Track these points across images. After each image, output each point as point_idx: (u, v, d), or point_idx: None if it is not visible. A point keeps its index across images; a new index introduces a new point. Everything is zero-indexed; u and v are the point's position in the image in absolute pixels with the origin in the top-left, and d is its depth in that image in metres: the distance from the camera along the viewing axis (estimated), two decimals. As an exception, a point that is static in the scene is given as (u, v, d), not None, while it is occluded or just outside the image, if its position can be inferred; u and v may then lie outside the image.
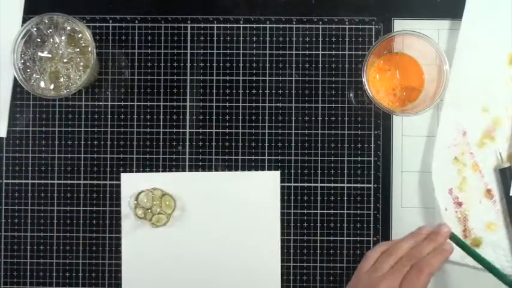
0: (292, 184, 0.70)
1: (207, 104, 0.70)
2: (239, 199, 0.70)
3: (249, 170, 0.70)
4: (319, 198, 0.70)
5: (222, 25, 0.71)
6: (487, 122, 0.69)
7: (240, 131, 0.70)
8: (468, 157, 0.69)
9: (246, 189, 0.70)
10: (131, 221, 0.70)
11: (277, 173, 0.70)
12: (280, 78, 0.71)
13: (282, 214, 0.70)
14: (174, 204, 0.69)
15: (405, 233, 0.70)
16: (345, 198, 0.70)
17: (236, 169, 0.70)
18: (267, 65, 0.71)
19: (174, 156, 0.71)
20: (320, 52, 0.71)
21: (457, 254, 0.68)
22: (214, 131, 0.71)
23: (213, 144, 0.71)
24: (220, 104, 0.70)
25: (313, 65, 0.71)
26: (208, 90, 0.71)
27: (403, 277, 0.58)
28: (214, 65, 0.71)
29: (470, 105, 0.69)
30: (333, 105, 0.70)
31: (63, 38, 0.65)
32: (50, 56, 0.65)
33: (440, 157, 0.69)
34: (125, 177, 0.70)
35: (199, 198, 0.70)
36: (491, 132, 0.69)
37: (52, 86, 0.65)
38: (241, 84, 0.71)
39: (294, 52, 0.71)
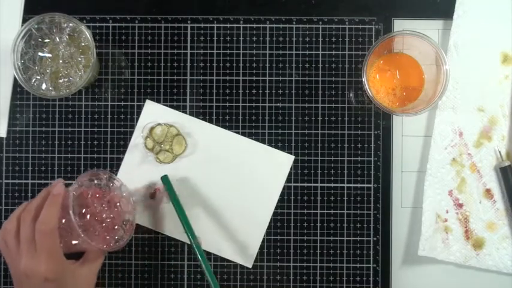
0: (292, 184, 0.70)
1: (207, 104, 0.70)
2: (248, 166, 0.70)
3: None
4: (319, 198, 0.70)
5: (222, 25, 0.71)
6: (484, 122, 0.69)
7: (240, 131, 0.70)
8: (466, 158, 0.69)
9: (258, 160, 0.70)
10: (137, 152, 0.70)
11: (292, 157, 0.70)
12: (280, 78, 0.71)
13: (282, 214, 0.70)
14: (185, 147, 0.69)
15: (405, 233, 0.70)
16: (345, 198, 0.70)
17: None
18: (267, 65, 0.71)
19: (174, 156, 0.71)
20: (320, 52, 0.71)
21: (460, 256, 0.68)
22: (214, 131, 0.71)
23: (213, 144, 0.70)
24: (220, 104, 0.70)
25: (313, 65, 0.71)
26: (208, 90, 0.71)
27: (28, 248, 0.57)
28: (214, 65, 0.71)
29: (465, 105, 0.69)
30: (333, 105, 0.70)
31: (63, 38, 0.65)
32: (50, 56, 0.65)
33: (436, 159, 0.68)
34: (149, 105, 0.70)
35: (211, 151, 0.70)
36: (488, 132, 0.69)
37: (52, 86, 0.65)
38: (241, 84, 0.71)
39: (294, 52, 0.71)
